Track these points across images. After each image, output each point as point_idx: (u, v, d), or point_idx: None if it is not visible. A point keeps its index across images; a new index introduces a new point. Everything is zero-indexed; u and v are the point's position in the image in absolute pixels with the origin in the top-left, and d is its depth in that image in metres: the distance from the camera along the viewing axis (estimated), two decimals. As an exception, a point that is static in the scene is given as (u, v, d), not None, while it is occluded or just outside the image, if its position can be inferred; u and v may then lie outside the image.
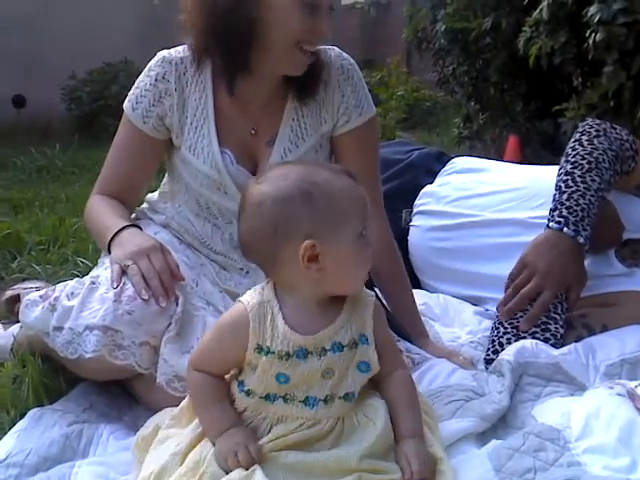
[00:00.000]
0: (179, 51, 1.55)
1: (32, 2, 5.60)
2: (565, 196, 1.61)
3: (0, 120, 5.20)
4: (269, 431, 1.09)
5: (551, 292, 1.54)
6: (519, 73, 3.66)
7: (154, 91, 1.52)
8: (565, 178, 1.65)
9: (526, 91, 3.76)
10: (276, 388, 1.09)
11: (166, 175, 1.67)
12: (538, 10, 2.94)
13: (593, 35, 2.57)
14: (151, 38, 6.04)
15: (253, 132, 1.55)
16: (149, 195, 1.70)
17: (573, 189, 1.61)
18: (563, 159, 1.72)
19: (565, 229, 1.57)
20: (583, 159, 1.65)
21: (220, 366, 1.14)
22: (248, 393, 1.11)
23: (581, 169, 1.63)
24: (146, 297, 1.29)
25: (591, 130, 1.72)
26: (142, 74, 1.57)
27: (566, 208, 1.59)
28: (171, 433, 1.15)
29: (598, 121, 1.76)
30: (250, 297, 1.12)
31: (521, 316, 1.56)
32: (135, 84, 1.57)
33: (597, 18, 2.51)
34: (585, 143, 1.69)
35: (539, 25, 2.98)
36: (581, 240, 1.57)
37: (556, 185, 1.67)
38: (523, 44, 3.06)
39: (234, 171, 1.52)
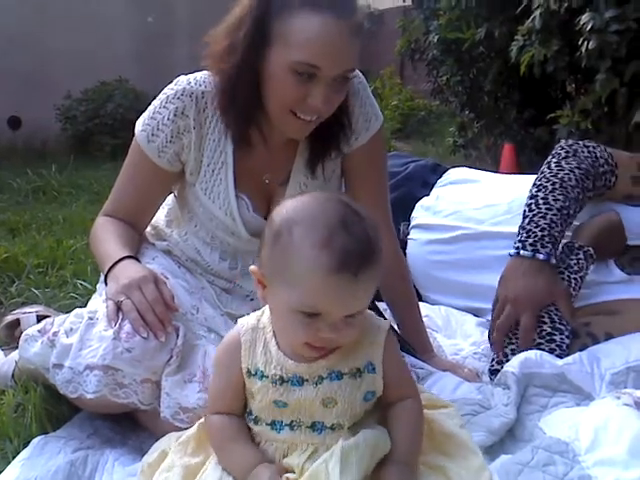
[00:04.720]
0: (200, 82, 1.45)
1: (26, 22, 5.61)
2: (526, 220, 1.63)
3: (-4, 142, 5.21)
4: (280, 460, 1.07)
5: (528, 315, 1.52)
6: (513, 81, 3.67)
7: (172, 127, 1.44)
8: (529, 202, 1.67)
9: (520, 99, 3.77)
10: (278, 413, 1.08)
11: (172, 200, 1.62)
12: (530, 19, 2.94)
13: (586, 43, 2.58)
14: (145, 56, 6.09)
15: (267, 181, 1.52)
16: (154, 219, 1.63)
17: (535, 212, 1.63)
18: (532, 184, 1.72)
19: (522, 252, 1.58)
20: (548, 181, 1.67)
21: (227, 399, 1.11)
22: (256, 421, 1.10)
23: (544, 191, 1.65)
24: (145, 335, 1.27)
25: (561, 152, 1.74)
26: (159, 100, 1.47)
27: (526, 232, 1.61)
28: (176, 461, 1.12)
29: (571, 142, 1.77)
30: (247, 320, 1.12)
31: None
32: (150, 111, 1.47)
33: (589, 26, 2.52)
34: (553, 165, 1.71)
35: (532, 34, 2.98)
36: (541, 257, 1.56)
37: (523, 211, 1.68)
38: (515, 52, 3.06)
39: (249, 218, 1.50)
